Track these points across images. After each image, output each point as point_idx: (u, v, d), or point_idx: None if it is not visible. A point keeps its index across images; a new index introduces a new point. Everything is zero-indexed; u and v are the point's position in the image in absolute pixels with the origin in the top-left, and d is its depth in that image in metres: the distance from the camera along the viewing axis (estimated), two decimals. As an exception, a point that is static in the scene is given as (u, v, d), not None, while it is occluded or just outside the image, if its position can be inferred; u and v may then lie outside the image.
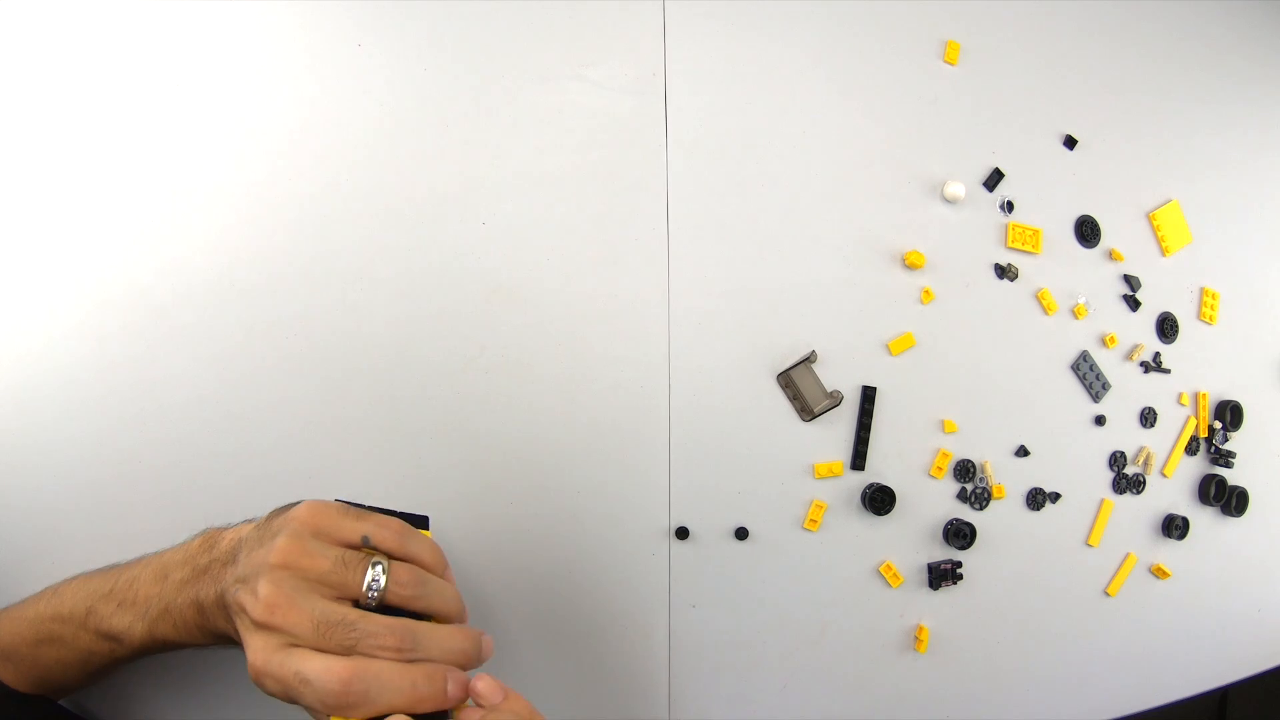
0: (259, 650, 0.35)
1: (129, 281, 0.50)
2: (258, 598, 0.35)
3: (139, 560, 0.43)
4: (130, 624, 0.40)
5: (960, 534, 0.60)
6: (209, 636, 0.40)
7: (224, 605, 0.38)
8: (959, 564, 0.60)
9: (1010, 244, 0.63)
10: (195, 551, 0.41)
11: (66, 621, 0.41)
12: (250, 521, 0.41)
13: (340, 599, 0.36)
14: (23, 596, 0.46)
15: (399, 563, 0.38)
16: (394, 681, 0.34)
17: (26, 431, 0.49)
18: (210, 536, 0.41)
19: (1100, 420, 0.66)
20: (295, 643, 0.35)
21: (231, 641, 0.39)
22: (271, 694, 0.35)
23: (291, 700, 0.35)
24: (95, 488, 0.48)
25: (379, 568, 0.37)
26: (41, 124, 0.50)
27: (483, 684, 0.36)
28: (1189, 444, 0.69)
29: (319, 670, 0.33)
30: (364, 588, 0.37)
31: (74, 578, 0.44)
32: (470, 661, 0.38)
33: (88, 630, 0.41)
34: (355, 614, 0.35)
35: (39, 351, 0.49)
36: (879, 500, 0.58)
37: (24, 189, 0.50)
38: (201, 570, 0.40)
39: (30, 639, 0.42)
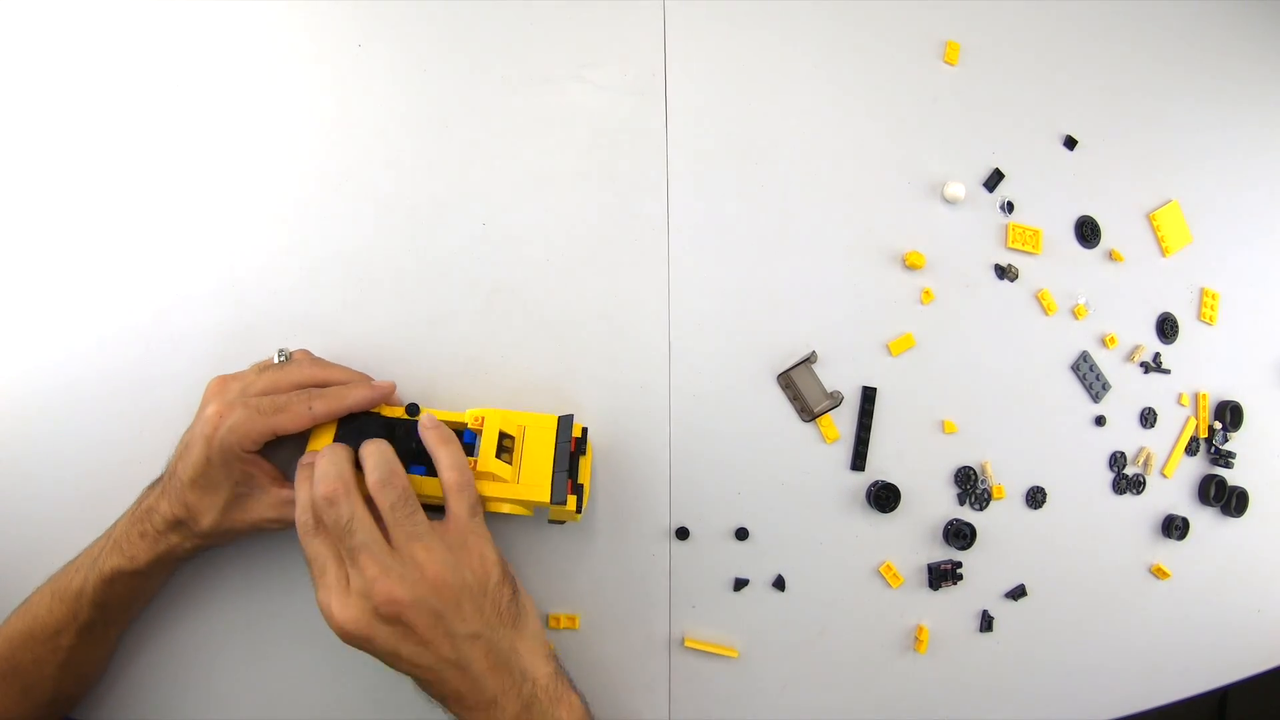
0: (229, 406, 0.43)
1: (128, 282, 0.50)
2: (206, 404, 0.43)
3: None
4: (84, 578, 0.43)
5: (960, 534, 0.60)
6: (157, 541, 0.43)
7: (173, 478, 0.43)
8: (959, 564, 0.60)
9: (1010, 244, 0.63)
10: (136, 501, 0.46)
11: (35, 614, 0.44)
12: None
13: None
14: (23, 596, 0.46)
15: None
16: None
17: (27, 431, 0.49)
18: (146, 490, 0.46)
19: (1100, 420, 0.66)
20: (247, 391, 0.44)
21: (182, 537, 0.43)
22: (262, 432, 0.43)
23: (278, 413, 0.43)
24: (95, 488, 0.48)
25: (280, 353, 0.47)
26: (40, 126, 0.50)
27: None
28: (1189, 444, 0.69)
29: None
30: (274, 360, 0.46)
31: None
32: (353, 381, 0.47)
33: (53, 609, 0.43)
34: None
35: (39, 351, 0.49)
36: (884, 498, 0.58)
37: (23, 190, 0.50)
38: (142, 503, 0.44)
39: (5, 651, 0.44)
